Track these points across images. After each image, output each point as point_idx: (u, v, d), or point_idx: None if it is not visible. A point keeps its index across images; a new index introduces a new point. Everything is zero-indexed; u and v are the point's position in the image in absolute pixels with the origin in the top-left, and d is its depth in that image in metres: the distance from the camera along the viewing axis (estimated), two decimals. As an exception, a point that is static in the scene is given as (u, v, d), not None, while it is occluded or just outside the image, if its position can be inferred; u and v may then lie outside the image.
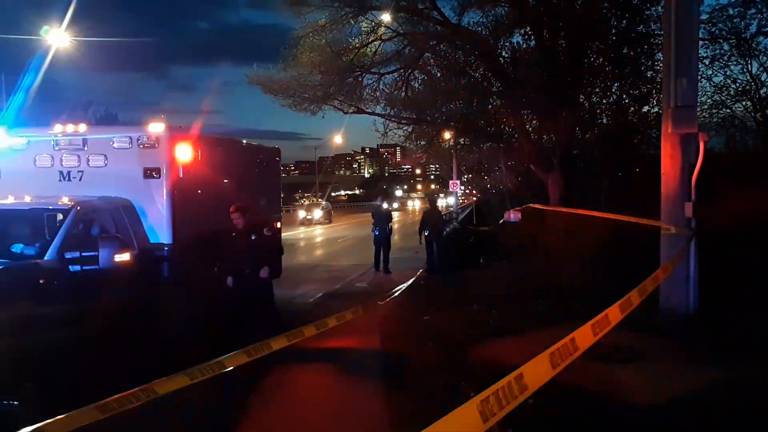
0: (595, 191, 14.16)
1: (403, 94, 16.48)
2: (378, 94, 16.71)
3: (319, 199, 52.03)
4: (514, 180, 22.43)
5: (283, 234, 12.20)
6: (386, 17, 15.03)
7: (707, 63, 14.45)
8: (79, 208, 6.86)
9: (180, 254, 7.85)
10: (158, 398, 3.62)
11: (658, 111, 12.99)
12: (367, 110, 16.79)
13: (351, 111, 16.66)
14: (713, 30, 14.30)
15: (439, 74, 16.36)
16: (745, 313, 6.96)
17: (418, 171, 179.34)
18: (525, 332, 7.17)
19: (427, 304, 10.22)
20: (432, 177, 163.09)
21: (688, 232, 7.22)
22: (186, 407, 4.93)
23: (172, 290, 7.65)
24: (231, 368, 4.09)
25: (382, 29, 15.44)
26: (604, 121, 15.48)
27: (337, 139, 55.35)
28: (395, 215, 28.85)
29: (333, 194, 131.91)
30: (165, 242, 7.75)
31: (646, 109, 14.81)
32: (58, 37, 21.36)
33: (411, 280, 13.67)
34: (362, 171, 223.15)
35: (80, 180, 7.99)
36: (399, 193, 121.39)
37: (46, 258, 6.22)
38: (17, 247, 6.39)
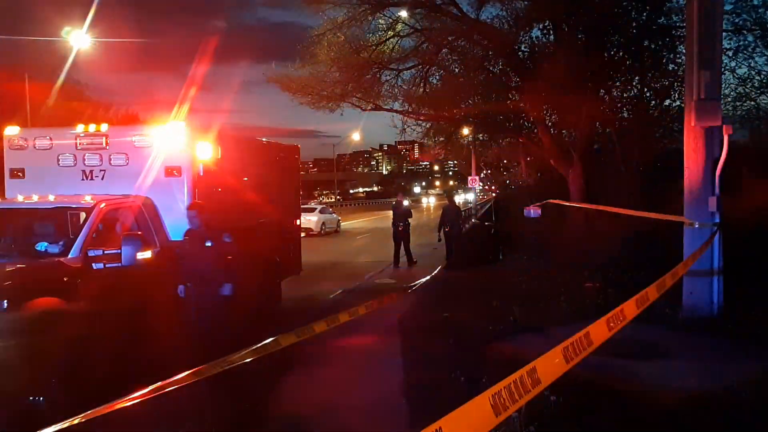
0: (616, 186, 14.00)
1: (421, 90, 16.46)
2: (396, 90, 16.74)
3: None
4: (534, 175, 22.30)
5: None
6: (404, 13, 15.03)
7: (731, 55, 14.18)
8: (102, 206, 6.95)
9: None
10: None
11: (680, 104, 12.82)
12: (385, 107, 16.82)
13: (369, 108, 16.69)
14: (737, 21, 14.04)
15: (457, 70, 16.34)
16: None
17: (436, 167, 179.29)
18: (547, 328, 7.12)
19: (447, 300, 10.19)
20: (450, 173, 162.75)
21: (712, 226, 7.11)
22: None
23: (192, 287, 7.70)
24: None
25: (400, 25, 15.44)
26: (625, 114, 15.32)
27: (355, 137, 55.52)
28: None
29: (351, 191, 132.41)
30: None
31: (667, 102, 14.64)
32: (79, 39, 21.67)
33: (428, 276, 13.64)
34: (380, 168, 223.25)
35: (102, 179, 8.09)
36: (417, 189, 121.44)
37: (69, 256, 6.31)
38: (42, 246, 6.49)
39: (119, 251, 6.39)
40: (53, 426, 3.17)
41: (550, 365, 2.57)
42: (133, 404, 3.44)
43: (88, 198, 7.28)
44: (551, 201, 11.52)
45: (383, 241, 20.19)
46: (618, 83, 14.87)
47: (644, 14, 13.86)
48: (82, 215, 6.97)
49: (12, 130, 8.40)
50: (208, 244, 6.85)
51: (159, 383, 3.60)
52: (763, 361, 5.45)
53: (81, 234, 6.54)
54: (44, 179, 8.10)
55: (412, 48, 15.83)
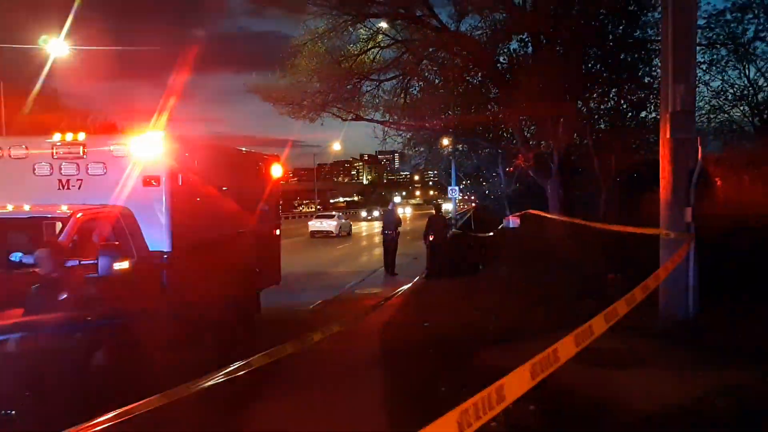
0: (594, 197, 14.17)
1: (402, 100, 16.55)
2: (377, 100, 16.82)
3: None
4: (513, 186, 22.47)
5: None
6: (384, 24, 15.12)
7: (705, 68, 14.55)
8: (78, 216, 6.86)
9: (179, 262, 7.84)
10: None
11: (656, 116, 13.05)
12: (366, 117, 16.88)
13: (350, 118, 16.73)
14: (710, 35, 14.40)
15: (437, 81, 16.45)
16: (745, 317, 6.95)
17: (416, 177, 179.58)
18: (524, 339, 7.15)
19: (426, 310, 10.21)
20: (431, 183, 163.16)
21: (688, 236, 7.21)
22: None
23: (171, 298, 7.63)
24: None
25: (381, 36, 15.53)
26: (602, 126, 15.54)
27: (336, 146, 55.48)
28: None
29: (331, 201, 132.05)
30: (164, 250, 7.75)
31: (643, 114, 14.90)
32: (56, 47, 21.42)
33: (407, 286, 13.67)
34: (361, 178, 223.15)
35: (79, 188, 7.97)
36: (398, 199, 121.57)
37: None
38: (16, 256, 6.37)
39: (96, 262, 6.30)
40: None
41: (517, 382, 2.63)
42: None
43: (64, 208, 7.17)
44: (530, 211, 11.63)
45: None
46: (595, 95, 15.10)
47: (621, 28, 14.11)
48: (58, 225, 6.87)
49: (-13, 139, 8.26)
50: (63, 296, 5.43)
51: (126, 407, 3.53)
52: (730, 373, 5.52)
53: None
54: (20, 189, 7.96)
55: (392, 59, 15.92)
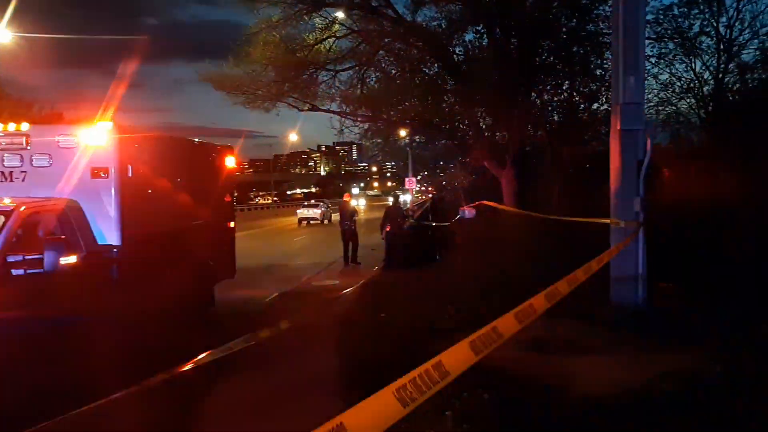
0: (548, 187, 14.40)
1: (359, 91, 16.44)
2: (333, 91, 16.63)
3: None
4: (469, 177, 22.67)
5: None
6: (340, 14, 14.97)
7: (654, 61, 14.90)
8: (21, 209, 6.62)
9: (129, 255, 7.66)
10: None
11: (608, 108, 13.32)
12: (322, 108, 16.71)
13: (306, 108, 16.56)
14: (659, 30, 14.75)
15: (393, 72, 16.39)
16: (691, 303, 7.19)
17: (374, 169, 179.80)
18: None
19: (383, 301, 10.22)
20: (389, 174, 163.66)
21: (636, 225, 7.40)
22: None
23: (121, 292, 7.45)
24: None
25: (337, 26, 15.37)
26: (556, 118, 15.80)
27: (293, 137, 55.29)
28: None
29: (288, 192, 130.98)
30: (114, 243, 7.55)
31: (595, 106, 15.19)
32: (-1, 33, 20.55)
33: (365, 278, 13.67)
34: (318, 169, 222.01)
35: (23, 180, 7.73)
36: (356, 191, 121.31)
37: (-14, 262, 5.97)
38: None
39: (41, 256, 6.10)
40: None
41: (456, 358, 2.71)
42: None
43: (6, 201, 6.93)
44: (484, 203, 11.74)
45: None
46: (549, 87, 15.32)
47: (574, 20, 14.33)
48: (1, 219, 6.62)
49: None
50: None
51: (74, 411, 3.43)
52: (682, 354, 5.72)
53: (-1, 238, 6.20)
54: (-42, 181, 7.66)
55: (349, 49, 15.79)
